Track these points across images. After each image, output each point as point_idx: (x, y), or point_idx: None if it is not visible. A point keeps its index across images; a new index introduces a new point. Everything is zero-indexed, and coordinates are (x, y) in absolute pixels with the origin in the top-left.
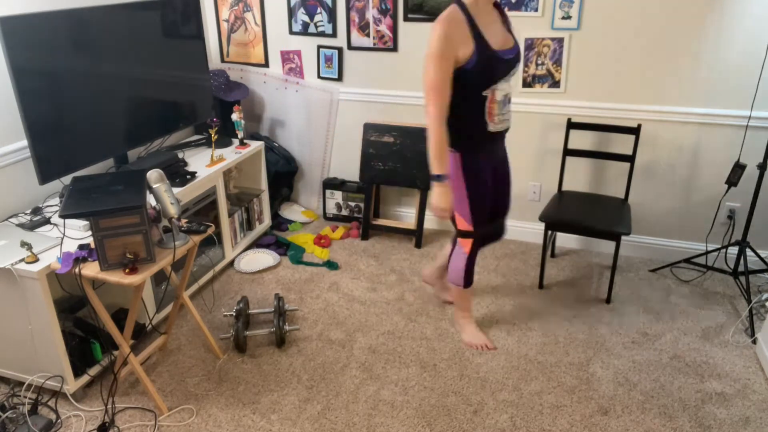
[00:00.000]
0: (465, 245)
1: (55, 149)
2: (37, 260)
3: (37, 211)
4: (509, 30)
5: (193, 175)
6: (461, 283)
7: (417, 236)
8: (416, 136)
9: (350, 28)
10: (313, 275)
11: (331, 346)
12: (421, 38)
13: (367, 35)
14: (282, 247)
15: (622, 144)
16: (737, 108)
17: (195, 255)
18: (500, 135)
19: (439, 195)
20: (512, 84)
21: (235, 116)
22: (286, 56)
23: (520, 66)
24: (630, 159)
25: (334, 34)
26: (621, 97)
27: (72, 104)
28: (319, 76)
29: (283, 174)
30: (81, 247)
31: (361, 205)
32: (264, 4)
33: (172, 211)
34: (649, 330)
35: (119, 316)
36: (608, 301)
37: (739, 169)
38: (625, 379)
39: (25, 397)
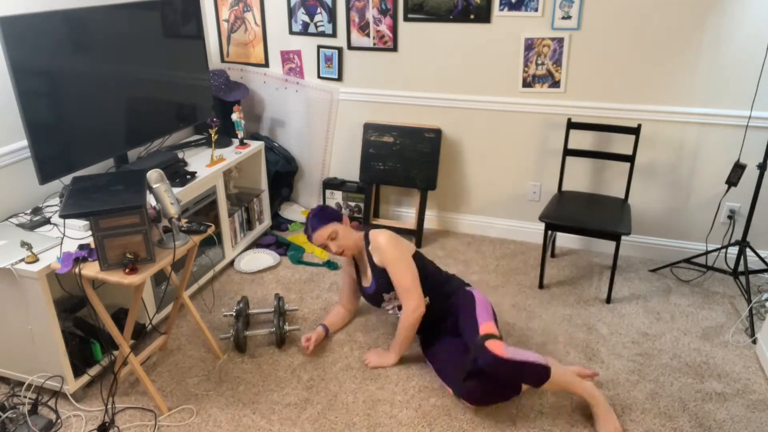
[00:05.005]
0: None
1: (55, 149)
2: (37, 260)
3: (37, 211)
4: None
5: (193, 175)
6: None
7: (417, 236)
8: (416, 136)
9: (350, 28)
10: (313, 275)
11: (331, 346)
12: (421, 38)
13: (367, 35)
14: (282, 247)
15: (622, 144)
16: (737, 108)
17: (195, 255)
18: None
19: None
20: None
21: (235, 116)
22: (286, 56)
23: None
24: (630, 159)
25: (334, 34)
26: (621, 97)
27: (72, 104)
28: (319, 76)
29: (283, 174)
30: (81, 247)
31: (361, 205)
32: (264, 4)
33: (172, 211)
34: (649, 330)
35: (119, 316)
36: (608, 301)
37: (739, 169)
38: (625, 379)
39: (25, 397)
